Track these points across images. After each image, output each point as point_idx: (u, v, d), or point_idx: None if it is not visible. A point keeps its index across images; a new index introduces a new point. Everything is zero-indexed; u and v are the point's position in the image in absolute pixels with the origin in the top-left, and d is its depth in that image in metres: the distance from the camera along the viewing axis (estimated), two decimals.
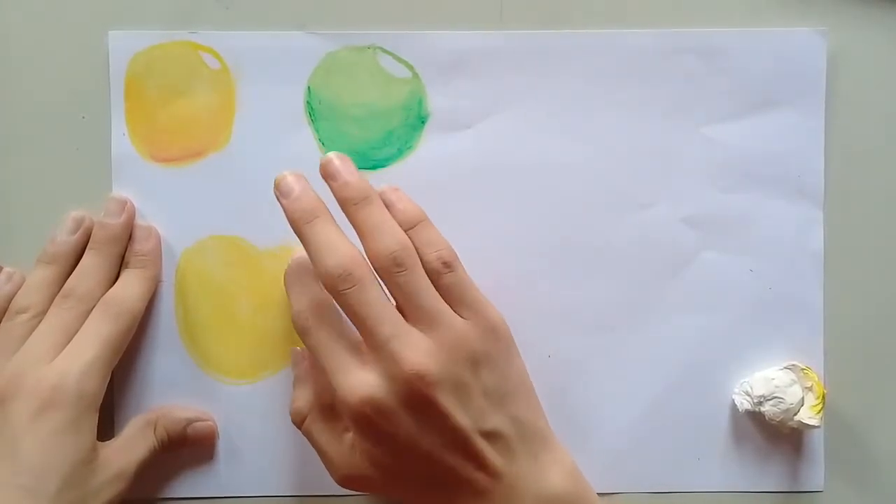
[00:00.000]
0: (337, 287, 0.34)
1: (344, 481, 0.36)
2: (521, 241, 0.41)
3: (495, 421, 0.35)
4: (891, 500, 0.41)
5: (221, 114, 0.40)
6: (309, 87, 0.40)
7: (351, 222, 0.35)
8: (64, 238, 0.39)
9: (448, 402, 0.34)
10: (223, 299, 0.41)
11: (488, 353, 0.35)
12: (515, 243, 0.41)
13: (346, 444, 0.36)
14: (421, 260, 0.35)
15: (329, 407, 0.37)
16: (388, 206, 0.36)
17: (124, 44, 0.40)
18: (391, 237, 0.35)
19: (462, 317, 0.35)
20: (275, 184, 0.36)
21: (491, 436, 0.35)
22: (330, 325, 0.35)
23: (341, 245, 0.34)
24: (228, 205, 0.41)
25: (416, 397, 0.33)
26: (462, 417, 0.34)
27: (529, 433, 0.36)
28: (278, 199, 0.36)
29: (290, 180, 0.36)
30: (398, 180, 0.40)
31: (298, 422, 0.38)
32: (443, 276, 0.35)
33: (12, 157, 0.41)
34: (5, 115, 0.40)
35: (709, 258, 0.41)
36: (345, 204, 0.36)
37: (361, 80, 0.40)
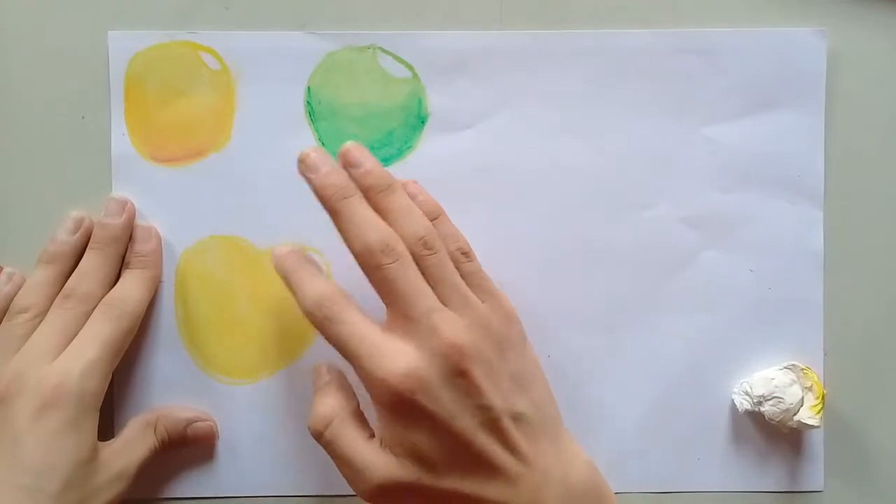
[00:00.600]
0: (380, 261, 0.34)
1: (374, 493, 0.34)
2: (520, 240, 0.41)
3: (522, 404, 0.35)
4: (890, 500, 0.41)
5: (221, 114, 0.40)
6: (309, 87, 0.40)
7: (376, 209, 0.36)
8: (64, 238, 0.39)
9: (482, 378, 0.34)
10: (223, 299, 0.41)
11: (510, 337, 0.36)
12: (515, 243, 0.41)
13: (375, 447, 0.35)
14: None
15: (356, 412, 0.36)
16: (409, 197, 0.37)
17: (124, 44, 0.40)
18: (419, 222, 0.36)
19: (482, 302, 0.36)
20: (299, 160, 0.36)
21: (518, 419, 0.35)
22: (354, 309, 0.35)
23: (380, 221, 0.35)
24: (228, 205, 0.41)
25: (455, 370, 0.34)
26: (494, 395, 0.34)
27: (550, 421, 0.36)
28: (304, 174, 0.36)
29: (315, 157, 0.36)
30: None
31: (321, 428, 0.35)
32: (463, 264, 0.37)
33: (12, 157, 0.41)
34: (5, 115, 0.40)
35: (709, 258, 0.41)
36: (369, 191, 0.36)
37: (361, 80, 0.40)
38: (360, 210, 0.35)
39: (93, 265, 0.39)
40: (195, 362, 0.40)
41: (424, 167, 0.41)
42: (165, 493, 0.40)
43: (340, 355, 0.35)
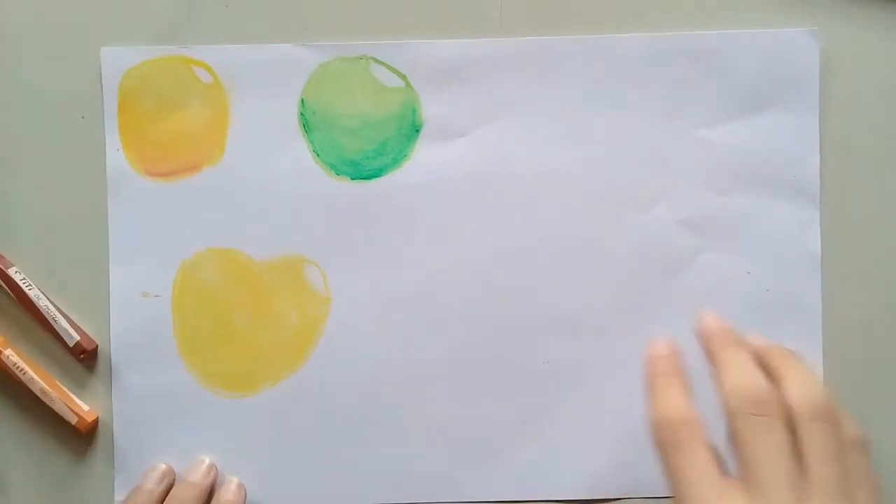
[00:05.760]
0: (746, 410, 0.31)
1: None
2: (517, 247, 0.41)
3: None
4: (890, 501, 0.41)
5: (215, 127, 0.40)
6: (302, 99, 0.40)
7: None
8: (151, 487, 0.40)
9: None
10: (221, 312, 0.41)
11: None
12: (511, 249, 0.41)
13: None
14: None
15: None
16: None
17: (117, 60, 0.40)
18: (817, 393, 0.32)
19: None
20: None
21: None
22: (701, 443, 0.31)
23: (758, 373, 0.32)
24: (225, 218, 0.41)
25: None
26: None
27: None
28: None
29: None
30: (393, 190, 0.40)
31: None
32: (855, 453, 0.32)
33: (7, 174, 0.41)
34: (2, 130, 0.41)
35: (706, 260, 0.41)
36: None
37: (354, 90, 0.40)
38: (741, 357, 0.33)
39: None
40: (193, 376, 0.41)
41: (419, 176, 0.41)
42: None
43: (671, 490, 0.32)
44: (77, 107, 0.40)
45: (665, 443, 0.32)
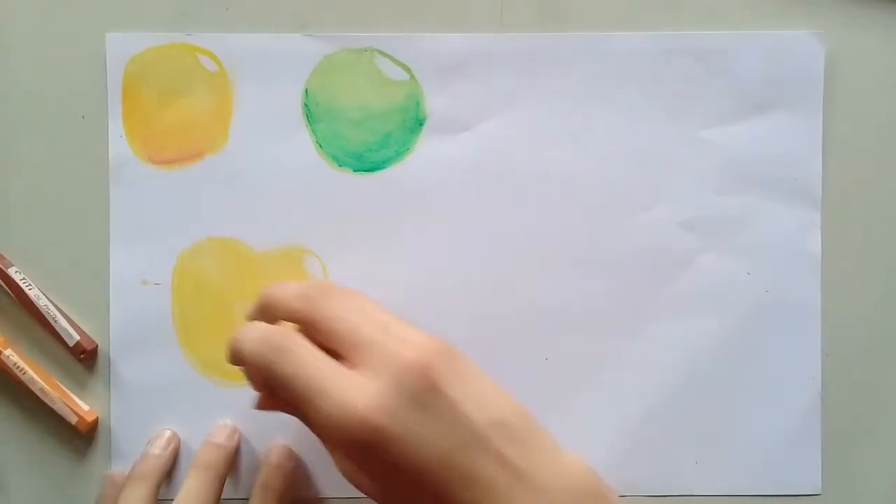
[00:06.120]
0: (312, 296, 0.33)
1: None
2: (518, 243, 0.41)
3: (499, 410, 0.32)
4: (890, 501, 0.41)
5: (219, 116, 0.40)
6: (306, 90, 0.40)
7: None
8: (158, 453, 0.39)
9: (453, 390, 0.31)
10: (220, 301, 0.41)
11: (461, 356, 0.33)
12: (513, 246, 0.41)
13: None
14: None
15: None
16: None
17: (122, 46, 0.40)
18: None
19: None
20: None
21: (500, 426, 0.31)
22: (305, 344, 0.32)
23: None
24: (225, 207, 0.41)
25: (422, 387, 0.30)
26: (469, 406, 0.31)
27: (533, 423, 0.33)
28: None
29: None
30: (395, 183, 0.40)
31: None
32: None
33: (10, 159, 0.41)
34: (3, 117, 0.40)
35: (706, 261, 0.41)
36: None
37: (359, 82, 0.40)
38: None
39: (197, 487, 0.38)
40: (192, 365, 0.40)
41: (422, 169, 0.40)
42: (163, 494, 0.40)
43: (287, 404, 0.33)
44: (81, 93, 0.40)
45: (265, 360, 0.32)
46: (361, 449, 0.30)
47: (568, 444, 0.38)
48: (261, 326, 0.33)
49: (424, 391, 0.30)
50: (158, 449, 0.39)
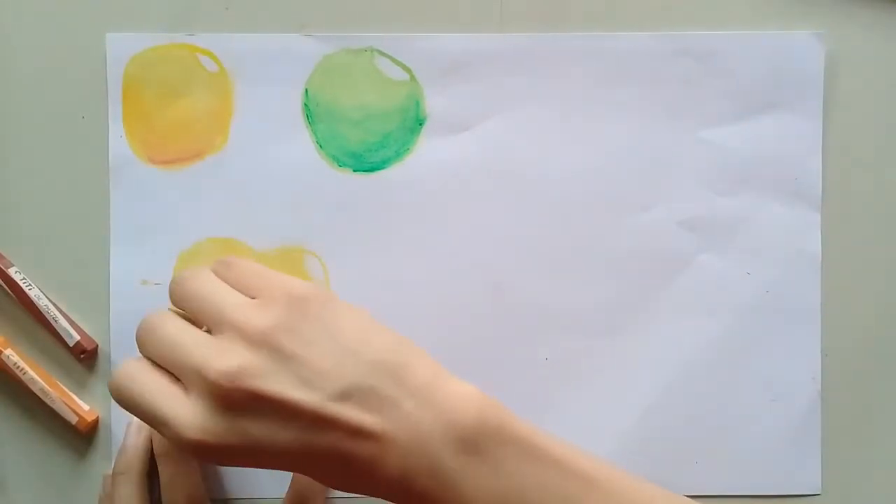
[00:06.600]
0: (171, 286, 0.34)
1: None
2: (518, 243, 0.41)
3: (346, 378, 0.31)
4: (890, 500, 0.41)
5: (219, 116, 0.40)
6: (306, 90, 0.40)
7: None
8: (131, 442, 0.39)
9: (278, 383, 0.30)
10: None
11: (301, 318, 0.32)
12: (513, 246, 0.41)
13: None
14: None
15: None
16: None
17: (122, 46, 0.40)
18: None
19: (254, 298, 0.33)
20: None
21: (348, 395, 0.30)
22: (143, 368, 0.33)
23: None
24: (225, 207, 0.41)
25: (240, 398, 0.30)
26: (302, 393, 0.30)
27: (405, 372, 0.31)
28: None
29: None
30: (395, 183, 0.40)
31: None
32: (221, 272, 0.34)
33: (10, 159, 0.41)
34: (3, 117, 0.40)
35: (706, 261, 0.41)
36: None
37: (359, 82, 0.40)
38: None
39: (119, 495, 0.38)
40: None
41: (422, 170, 0.41)
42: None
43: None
44: (81, 93, 0.40)
45: (119, 396, 0.33)
46: (213, 460, 0.32)
47: None
48: (124, 364, 0.33)
49: (243, 401, 0.30)
50: (132, 438, 0.39)
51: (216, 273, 0.34)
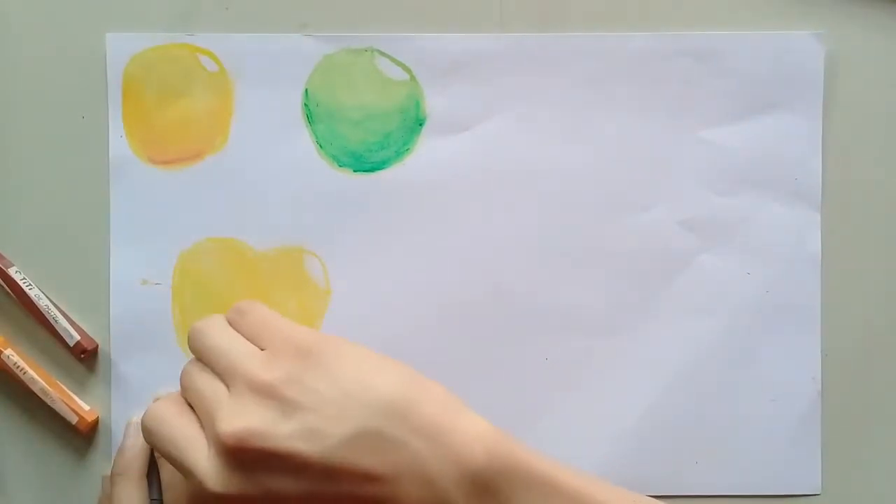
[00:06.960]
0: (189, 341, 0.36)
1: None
2: (518, 243, 0.41)
3: (351, 423, 0.31)
4: (890, 500, 0.41)
5: (219, 116, 0.40)
6: (306, 90, 0.40)
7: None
8: (131, 443, 0.39)
9: (285, 442, 0.31)
10: (220, 302, 0.40)
11: (304, 368, 0.33)
12: (513, 245, 0.41)
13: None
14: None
15: None
16: None
17: (122, 46, 0.40)
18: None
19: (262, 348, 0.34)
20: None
21: (355, 440, 0.31)
22: (167, 416, 0.35)
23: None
24: (226, 207, 0.41)
25: (249, 458, 0.31)
26: (309, 445, 0.31)
27: (412, 411, 0.31)
28: None
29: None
30: (395, 183, 0.40)
31: None
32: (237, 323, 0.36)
33: (10, 159, 0.41)
34: (4, 117, 0.40)
35: (706, 261, 0.41)
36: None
37: (359, 82, 0.40)
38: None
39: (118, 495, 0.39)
40: None
41: (422, 170, 0.41)
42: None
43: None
44: (81, 93, 0.40)
45: (149, 439, 0.35)
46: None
47: (567, 444, 0.38)
48: (155, 405, 0.35)
49: (255, 459, 0.31)
50: (131, 439, 0.39)
51: (231, 321, 0.36)
